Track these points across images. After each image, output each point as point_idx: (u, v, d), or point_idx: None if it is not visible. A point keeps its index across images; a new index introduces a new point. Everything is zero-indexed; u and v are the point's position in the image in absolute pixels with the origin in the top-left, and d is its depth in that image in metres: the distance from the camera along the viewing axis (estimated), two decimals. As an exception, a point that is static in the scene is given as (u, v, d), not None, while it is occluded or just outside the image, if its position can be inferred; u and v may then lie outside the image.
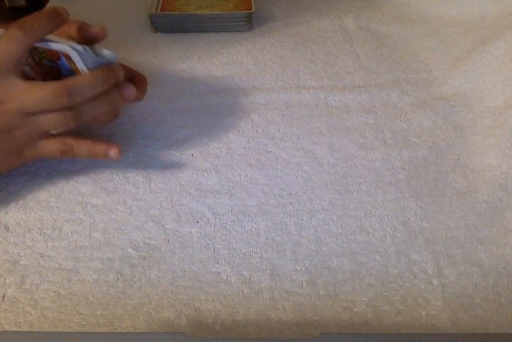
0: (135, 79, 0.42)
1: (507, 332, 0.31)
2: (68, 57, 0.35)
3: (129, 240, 0.37)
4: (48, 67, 0.37)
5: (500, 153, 0.41)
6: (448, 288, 0.34)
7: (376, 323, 0.32)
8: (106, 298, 0.33)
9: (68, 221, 0.38)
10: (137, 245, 0.36)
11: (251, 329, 0.32)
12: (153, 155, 0.43)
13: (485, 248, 0.36)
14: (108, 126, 0.45)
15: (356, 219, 0.38)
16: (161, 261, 0.35)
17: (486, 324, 0.32)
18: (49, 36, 0.35)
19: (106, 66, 0.36)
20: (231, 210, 0.39)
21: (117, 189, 0.40)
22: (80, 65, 0.35)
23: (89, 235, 0.37)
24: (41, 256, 0.36)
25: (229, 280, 0.34)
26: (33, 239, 0.37)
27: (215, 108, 0.48)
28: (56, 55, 0.35)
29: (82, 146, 0.38)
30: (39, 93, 0.33)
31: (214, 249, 0.36)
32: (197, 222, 0.38)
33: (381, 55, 0.55)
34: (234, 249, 0.36)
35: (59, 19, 0.35)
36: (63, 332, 0.31)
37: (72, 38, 0.38)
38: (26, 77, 0.35)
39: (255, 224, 0.38)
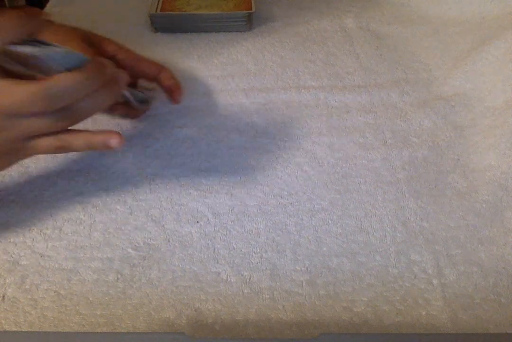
0: (165, 82, 0.43)
1: (507, 332, 0.31)
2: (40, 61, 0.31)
3: (129, 240, 0.37)
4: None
5: (500, 153, 0.41)
6: (448, 288, 0.34)
7: (376, 323, 0.32)
8: (106, 298, 0.33)
9: (68, 221, 0.38)
10: (137, 245, 0.36)
11: (251, 329, 0.32)
12: (153, 155, 0.43)
13: (485, 248, 0.36)
14: (107, 126, 0.45)
15: (356, 219, 0.38)
16: (161, 261, 0.35)
17: (486, 324, 0.32)
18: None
19: (95, 62, 0.32)
20: (231, 210, 0.39)
21: (117, 189, 0.40)
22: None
23: (89, 235, 0.37)
24: (41, 256, 0.36)
25: (229, 280, 0.34)
26: (33, 239, 0.37)
27: (215, 108, 0.48)
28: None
29: (79, 140, 0.34)
30: (17, 94, 0.30)
31: (214, 249, 0.36)
32: (197, 222, 0.38)
33: (381, 55, 0.55)
34: (234, 249, 0.36)
35: (35, 21, 0.30)
36: (63, 332, 0.31)
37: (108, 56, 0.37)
38: (7, 72, 0.31)
39: (255, 224, 0.38)
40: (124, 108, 0.42)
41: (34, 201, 0.39)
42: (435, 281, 0.34)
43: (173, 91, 0.44)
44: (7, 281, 0.34)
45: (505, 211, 0.38)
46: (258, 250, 0.36)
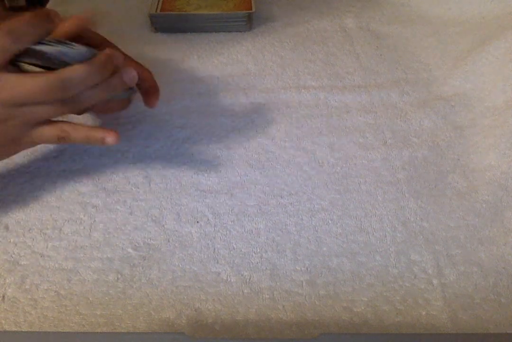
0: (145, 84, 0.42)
1: (507, 332, 0.31)
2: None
3: (129, 240, 0.37)
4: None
5: (500, 153, 0.41)
6: (448, 288, 0.34)
7: (376, 323, 0.32)
8: (106, 298, 0.33)
9: (68, 221, 0.38)
10: (137, 245, 0.36)
11: (251, 329, 0.32)
12: (153, 155, 0.43)
13: (485, 248, 0.36)
14: (107, 126, 0.45)
15: (356, 219, 0.38)
16: (161, 261, 0.35)
17: (486, 324, 0.32)
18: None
19: (104, 54, 0.35)
20: (231, 210, 0.39)
21: (117, 189, 0.40)
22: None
23: (89, 235, 0.37)
24: (41, 256, 0.36)
25: (229, 280, 0.34)
26: (33, 239, 0.37)
27: (215, 108, 0.48)
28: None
29: (79, 132, 0.36)
30: (31, 85, 0.32)
31: (214, 249, 0.36)
32: (197, 222, 0.38)
33: (381, 55, 0.55)
34: (234, 249, 0.36)
35: (50, 25, 0.33)
36: (63, 332, 0.31)
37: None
38: (19, 71, 0.34)
39: (255, 224, 0.38)
40: (107, 101, 0.41)
41: (34, 201, 0.39)
42: (435, 281, 0.34)
43: (150, 94, 0.42)
44: (7, 281, 0.34)
45: (505, 211, 0.38)
46: (258, 250, 0.36)
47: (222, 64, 0.53)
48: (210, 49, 0.55)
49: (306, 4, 0.64)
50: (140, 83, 0.43)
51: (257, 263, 0.35)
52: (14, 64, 0.34)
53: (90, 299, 0.33)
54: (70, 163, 0.42)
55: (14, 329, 0.31)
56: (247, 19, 0.57)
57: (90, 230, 0.37)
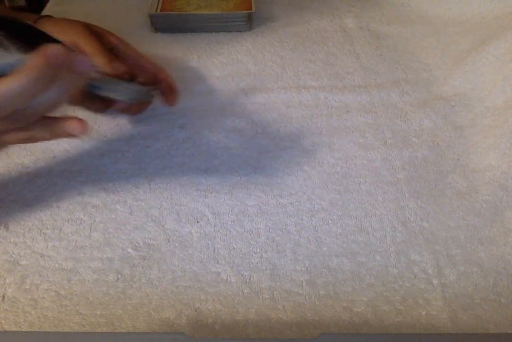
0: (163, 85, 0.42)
1: (507, 332, 0.31)
2: None
3: (129, 240, 0.37)
4: None
5: (500, 153, 0.41)
6: (448, 288, 0.34)
7: (376, 323, 0.32)
8: (106, 298, 0.33)
9: (68, 221, 0.38)
10: (137, 245, 0.36)
11: (251, 329, 0.32)
12: (153, 155, 0.43)
13: (485, 248, 0.36)
14: (107, 126, 0.45)
15: (356, 219, 0.38)
16: (161, 261, 0.35)
17: (486, 324, 0.32)
18: None
19: (36, 57, 0.28)
20: (231, 210, 0.39)
21: (117, 189, 0.40)
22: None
23: (89, 235, 0.37)
24: (41, 256, 0.36)
25: (229, 280, 0.34)
26: (33, 239, 0.37)
27: (215, 108, 0.48)
28: None
29: (42, 130, 0.32)
30: None
31: (214, 249, 0.36)
32: (197, 222, 0.38)
33: (381, 55, 0.55)
34: (234, 249, 0.36)
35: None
36: (63, 332, 0.31)
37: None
38: None
39: (255, 224, 0.38)
40: (121, 104, 0.41)
41: (34, 201, 0.39)
42: (435, 281, 0.34)
43: (170, 94, 0.44)
44: (7, 281, 0.34)
45: (505, 211, 0.38)
46: (258, 250, 0.36)
47: (222, 64, 0.53)
48: (210, 49, 0.55)
49: (306, 4, 0.64)
50: (159, 82, 0.43)
51: (257, 263, 0.35)
52: None
53: (90, 299, 0.33)
54: (70, 163, 0.42)
55: (14, 329, 0.31)
56: (247, 19, 0.57)
57: (90, 230, 0.37)
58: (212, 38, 0.57)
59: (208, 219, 0.38)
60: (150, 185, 0.41)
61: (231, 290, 0.34)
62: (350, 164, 0.42)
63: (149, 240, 0.37)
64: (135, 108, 0.44)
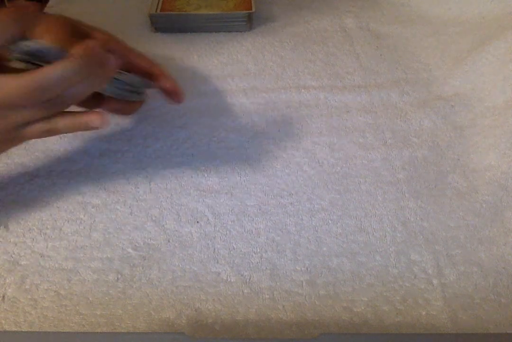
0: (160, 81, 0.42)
1: (507, 332, 0.31)
2: None
3: (129, 240, 0.37)
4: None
5: (500, 153, 0.41)
6: (448, 288, 0.34)
7: (376, 323, 0.32)
8: (106, 298, 0.33)
9: (68, 221, 0.38)
10: (137, 245, 0.36)
11: (251, 329, 0.32)
12: (153, 155, 0.43)
13: (485, 248, 0.36)
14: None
15: (356, 219, 0.38)
16: (161, 261, 0.35)
17: (486, 324, 0.32)
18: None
19: (81, 50, 0.31)
20: (231, 210, 0.39)
21: (117, 189, 0.40)
22: None
23: (89, 235, 0.37)
24: (41, 256, 0.36)
25: (229, 280, 0.34)
26: (33, 239, 0.37)
27: (215, 108, 0.48)
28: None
29: (64, 121, 0.34)
30: (7, 88, 0.30)
31: (214, 249, 0.36)
32: (197, 222, 0.38)
33: (381, 55, 0.55)
34: (234, 249, 0.36)
35: (27, 17, 0.32)
36: (63, 332, 0.31)
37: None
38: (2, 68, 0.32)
39: (255, 224, 0.38)
40: (117, 102, 0.41)
41: (34, 201, 0.39)
42: (435, 281, 0.34)
43: (174, 93, 0.43)
44: (7, 281, 0.34)
45: (505, 211, 0.38)
46: (258, 250, 0.36)
47: (222, 64, 0.53)
48: (210, 49, 0.55)
49: (306, 4, 0.64)
50: (159, 83, 0.42)
51: (257, 263, 0.35)
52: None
53: (90, 299, 0.33)
54: (70, 163, 0.42)
55: (14, 329, 0.31)
56: (247, 19, 0.57)
57: (90, 230, 0.37)
58: (212, 38, 0.57)
59: (208, 219, 0.38)
60: (150, 185, 0.41)
61: (231, 290, 0.34)
62: (350, 164, 0.42)
63: (149, 240, 0.37)
64: (127, 109, 0.42)
